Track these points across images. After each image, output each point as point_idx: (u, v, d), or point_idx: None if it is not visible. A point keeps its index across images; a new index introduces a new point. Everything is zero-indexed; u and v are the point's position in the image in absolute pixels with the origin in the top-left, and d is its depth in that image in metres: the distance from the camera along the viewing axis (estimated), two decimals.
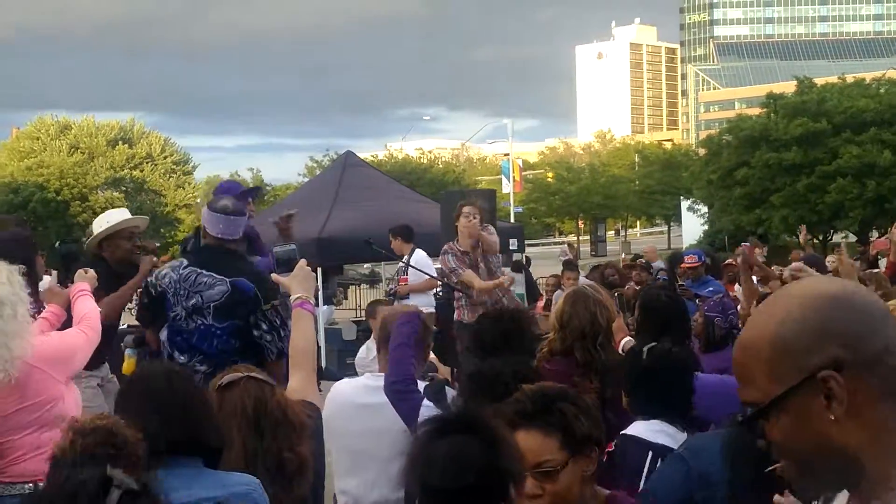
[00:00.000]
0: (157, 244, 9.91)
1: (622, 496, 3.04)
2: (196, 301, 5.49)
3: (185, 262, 5.61)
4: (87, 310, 4.86)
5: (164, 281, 5.53)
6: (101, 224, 6.70)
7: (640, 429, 3.76)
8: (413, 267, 10.33)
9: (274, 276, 4.42)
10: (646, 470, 3.61)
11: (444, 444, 2.43)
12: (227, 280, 5.38)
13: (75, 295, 5.00)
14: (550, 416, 2.72)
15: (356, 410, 4.25)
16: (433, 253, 14.10)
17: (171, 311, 5.56)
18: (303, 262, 4.04)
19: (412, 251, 10.78)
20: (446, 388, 4.23)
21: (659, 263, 14.80)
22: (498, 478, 2.42)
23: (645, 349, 3.93)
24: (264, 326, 5.30)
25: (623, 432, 3.79)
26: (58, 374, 4.30)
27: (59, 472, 2.24)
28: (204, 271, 5.47)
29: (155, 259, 6.63)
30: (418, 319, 4.21)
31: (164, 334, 5.59)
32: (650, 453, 3.65)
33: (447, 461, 2.39)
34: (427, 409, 3.86)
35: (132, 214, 7.04)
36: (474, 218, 8.49)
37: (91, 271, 5.33)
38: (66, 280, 5.86)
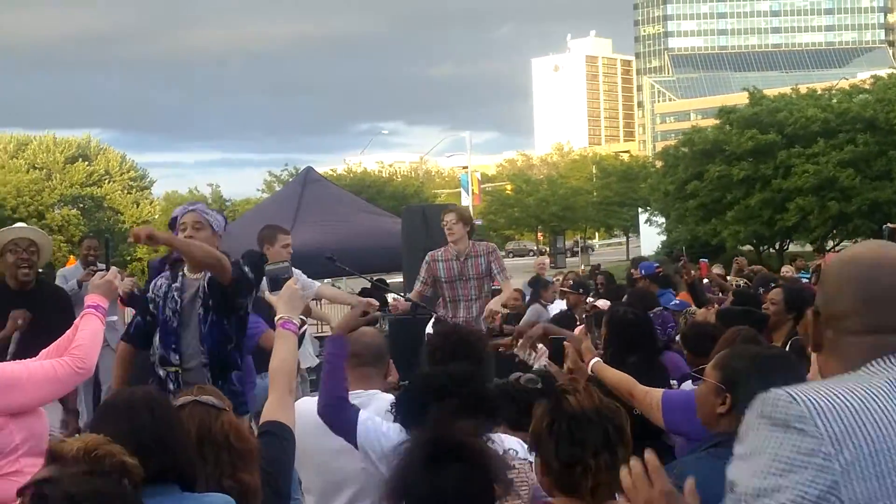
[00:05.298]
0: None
1: None
2: None
3: None
4: (83, 339, 4.27)
5: None
6: None
7: None
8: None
9: (267, 294, 4.27)
10: None
11: (448, 477, 2.58)
12: None
13: (84, 312, 4.46)
14: None
15: (324, 429, 4.20)
16: (395, 268, 14.14)
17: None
18: (291, 281, 3.94)
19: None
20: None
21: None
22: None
23: None
24: None
25: None
26: None
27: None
28: None
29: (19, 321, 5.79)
30: (343, 341, 4.03)
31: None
32: None
33: (457, 497, 2.57)
34: (369, 420, 3.87)
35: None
36: (453, 225, 8.39)
37: (113, 271, 4.82)
38: None
